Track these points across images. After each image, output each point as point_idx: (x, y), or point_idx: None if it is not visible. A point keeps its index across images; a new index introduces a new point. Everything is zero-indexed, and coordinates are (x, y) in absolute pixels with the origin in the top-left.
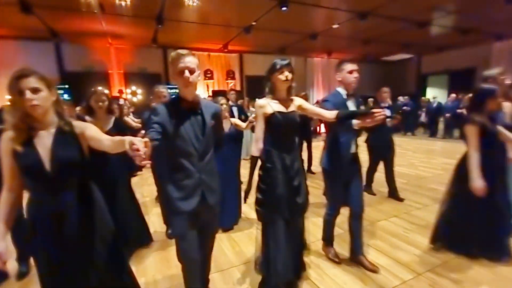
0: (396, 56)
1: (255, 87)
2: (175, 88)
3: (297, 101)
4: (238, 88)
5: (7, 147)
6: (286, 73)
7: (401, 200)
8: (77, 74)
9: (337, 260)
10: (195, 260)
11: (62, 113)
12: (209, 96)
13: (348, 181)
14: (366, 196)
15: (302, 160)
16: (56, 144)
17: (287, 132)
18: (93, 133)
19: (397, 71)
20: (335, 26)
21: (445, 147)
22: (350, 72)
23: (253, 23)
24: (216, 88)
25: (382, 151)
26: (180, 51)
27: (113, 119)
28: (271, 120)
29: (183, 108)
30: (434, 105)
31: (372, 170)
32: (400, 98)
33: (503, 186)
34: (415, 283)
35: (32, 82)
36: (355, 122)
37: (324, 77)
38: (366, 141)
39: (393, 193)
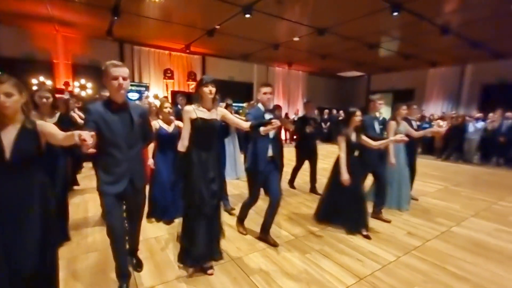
0: (350, 73)
1: (217, 91)
2: (131, 85)
3: (221, 111)
4: None
5: None
6: (211, 87)
7: (319, 194)
8: (14, 60)
9: (244, 233)
10: (120, 233)
11: (28, 113)
12: (164, 96)
13: (267, 177)
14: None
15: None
16: (18, 138)
17: (206, 134)
18: (51, 130)
19: (350, 86)
20: (295, 38)
21: None
22: (264, 93)
23: (217, 27)
24: (176, 89)
25: (306, 154)
26: (115, 62)
27: (58, 114)
28: (194, 123)
29: (114, 108)
30: (380, 119)
31: (297, 169)
32: None
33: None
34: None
35: (7, 88)
36: (261, 129)
37: (284, 86)
38: (296, 146)
39: (313, 189)
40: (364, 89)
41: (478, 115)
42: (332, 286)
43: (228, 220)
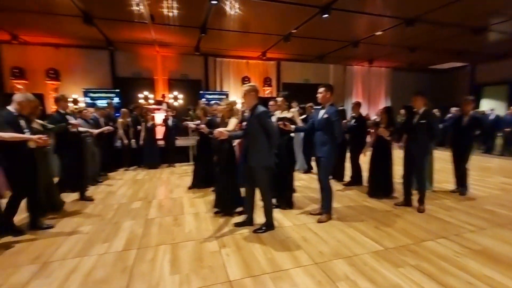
0: (446, 65)
1: (292, 94)
2: (213, 94)
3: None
4: (274, 95)
5: None
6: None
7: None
8: (126, 79)
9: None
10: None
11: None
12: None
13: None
14: (409, 212)
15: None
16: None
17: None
18: (230, 125)
19: (446, 80)
20: (378, 33)
21: (503, 165)
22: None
23: (293, 31)
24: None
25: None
26: (242, 88)
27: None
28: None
29: (250, 112)
30: (491, 118)
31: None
32: (453, 109)
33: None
34: None
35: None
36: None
37: (364, 85)
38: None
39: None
40: (466, 83)
41: None
42: None
43: (308, 224)
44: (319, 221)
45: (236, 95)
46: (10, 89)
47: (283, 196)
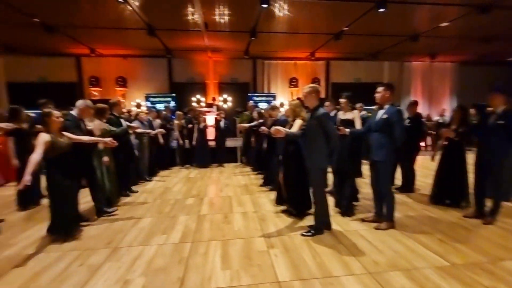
0: None
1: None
2: (261, 96)
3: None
4: (323, 95)
5: None
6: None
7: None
8: (181, 84)
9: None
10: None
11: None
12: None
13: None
14: (482, 226)
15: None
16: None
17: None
18: (295, 126)
19: None
20: (444, 24)
21: None
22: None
23: (345, 29)
24: (301, 96)
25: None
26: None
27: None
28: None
29: (308, 111)
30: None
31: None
32: None
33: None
34: None
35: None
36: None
37: (424, 83)
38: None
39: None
40: None
41: None
42: None
43: (361, 231)
44: (377, 228)
45: (283, 97)
46: (88, 96)
47: (341, 201)
